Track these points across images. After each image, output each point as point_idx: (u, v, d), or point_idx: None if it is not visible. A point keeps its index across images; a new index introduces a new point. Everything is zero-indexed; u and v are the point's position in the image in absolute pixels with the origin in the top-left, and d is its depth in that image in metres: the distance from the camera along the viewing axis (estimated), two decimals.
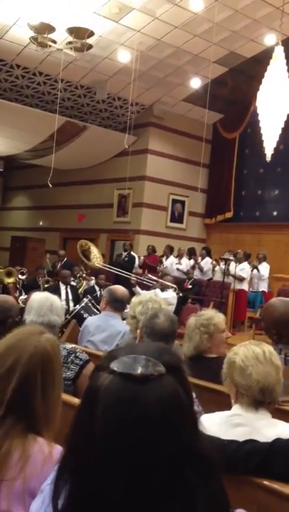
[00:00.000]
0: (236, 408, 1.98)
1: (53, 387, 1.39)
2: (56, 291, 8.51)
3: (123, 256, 12.32)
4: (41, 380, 1.37)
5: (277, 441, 1.78)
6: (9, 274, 10.87)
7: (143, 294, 4.18)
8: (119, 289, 4.29)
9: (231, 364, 2.01)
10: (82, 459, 0.81)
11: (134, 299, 3.60)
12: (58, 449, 1.32)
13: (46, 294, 3.00)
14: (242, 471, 1.77)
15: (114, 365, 0.83)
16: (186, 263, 12.52)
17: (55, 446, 1.33)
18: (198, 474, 0.82)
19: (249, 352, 1.98)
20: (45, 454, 1.30)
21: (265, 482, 1.73)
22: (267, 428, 1.88)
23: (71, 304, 8.54)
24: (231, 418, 1.95)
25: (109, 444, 0.79)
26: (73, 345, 3.03)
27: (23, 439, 1.31)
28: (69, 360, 2.81)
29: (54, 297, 2.98)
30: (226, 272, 10.49)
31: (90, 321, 4.35)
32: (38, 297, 2.96)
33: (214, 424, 1.94)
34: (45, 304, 2.88)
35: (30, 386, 1.36)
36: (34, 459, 1.29)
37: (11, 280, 10.75)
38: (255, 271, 11.42)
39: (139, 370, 0.81)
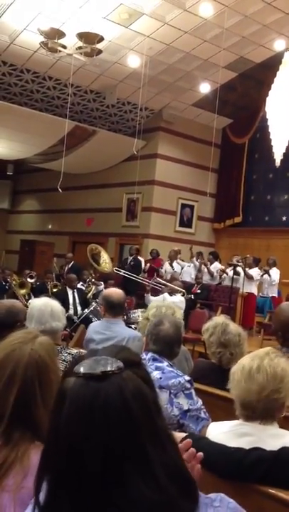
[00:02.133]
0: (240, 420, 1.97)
1: (51, 393, 1.37)
2: (64, 295, 8.52)
3: (129, 260, 12.29)
4: (40, 388, 1.37)
5: (284, 449, 1.78)
6: (22, 286, 10.87)
7: (157, 300, 4.19)
8: (114, 293, 4.16)
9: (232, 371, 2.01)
10: (54, 455, 0.89)
11: (152, 304, 3.64)
12: None
13: (45, 300, 3.00)
14: (248, 479, 1.77)
15: (78, 368, 0.91)
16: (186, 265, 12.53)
17: None
18: (158, 449, 0.89)
19: (240, 364, 1.96)
20: None
21: (270, 490, 1.73)
22: (272, 438, 1.87)
23: (79, 307, 8.54)
24: (237, 427, 1.95)
25: (73, 436, 0.86)
26: (79, 350, 3.03)
27: (29, 448, 1.31)
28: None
29: (53, 302, 3.00)
30: (234, 274, 10.46)
31: (92, 328, 4.23)
32: (38, 304, 2.97)
33: (221, 432, 1.94)
34: (45, 311, 2.89)
35: (30, 396, 1.36)
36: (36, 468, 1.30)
37: (23, 291, 10.75)
38: (266, 276, 11.37)
39: (100, 369, 0.89)
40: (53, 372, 1.41)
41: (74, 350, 2.93)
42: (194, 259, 12.44)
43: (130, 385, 0.89)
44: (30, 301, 9.99)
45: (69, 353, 2.84)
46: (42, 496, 0.91)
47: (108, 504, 0.85)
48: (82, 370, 0.90)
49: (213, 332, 3.05)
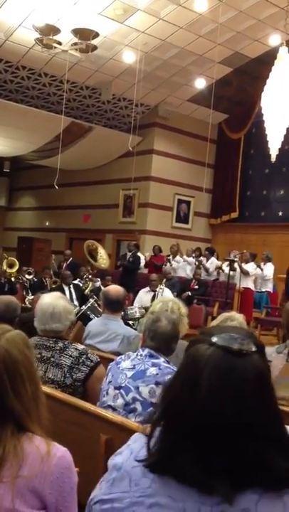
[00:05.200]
0: None
1: (23, 385, 1.39)
2: (60, 292, 8.54)
3: (128, 257, 12.31)
4: (10, 383, 1.38)
5: None
6: (11, 266, 10.94)
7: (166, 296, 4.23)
8: (112, 289, 4.19)
9: None
10: (183, 413, 0.98)
11: (159, 298, 3.69)
12: (56, 447, 1.35)
13: (51, 300, 2.96)
14: None
15: (215, 339, 1.00)
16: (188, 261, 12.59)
17: (53, 444, 1.35)
18: (276, 423, 1.00)
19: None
20: (42, 453, 1.32)
21: None
22: None
23: (76, 303, 8.57)
24: None
25: (214, 403, 0.95)
26: (84, 347, 3.05)
27: (16, 440, 1.33)
28: (80, 361, 2.81)
29: (59, 302, 2.95)
30: (230, 269, 10.51)
31: (91, 324, 4.29)
32: (43, 303, 2.96)
33: None
34: (46, 311, 2.89)
35: (1, 391, 1.37)
36: (31, 458, 1.31)
37: (13, 271, 10.83)
38: (258, 270, 11.39)
39: (236, 346, 0.99)
40: (23, 366, 1.42)
41: (80, 346, 2.94)
42: (187, 257, 12.53)
43: (260, 367, 0.99)
44: (29, 297, 10.13)
45: (76, 348, 2.85)
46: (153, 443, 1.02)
47: (243, 461, 0.94)
48: (220, 341, 0.99)
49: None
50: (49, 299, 2.97)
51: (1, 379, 1.38)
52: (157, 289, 9.36)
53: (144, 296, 9.37)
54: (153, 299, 8.57)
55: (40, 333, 2.93)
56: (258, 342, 1.03)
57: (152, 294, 9.30)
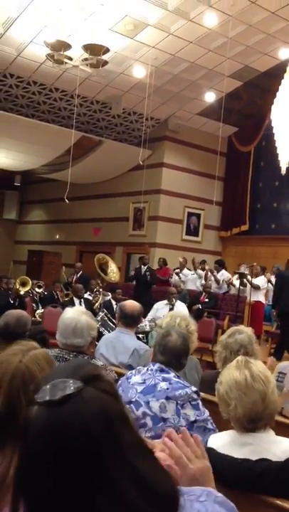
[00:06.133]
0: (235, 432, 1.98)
1: None
2: (71, 305, 8.54)
3: (143, 271, 11.86)
4: (26, 400, 1.39)
5: None
6: (24, 284, 10.98)
7: (178, 311, 4.25)
8: (129, 304, 4.25)
9: (218, 394, 2.00)
10: (23, 486, 0.85)
11: (169, 313, 3.69)
12: None
13: (73, 314, 2.94)
14: (255, 490, 1.78)
15: (37, 397, 0.86)
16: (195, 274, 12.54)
17: None
18: (123, 463, 0.84)
19: (231, 380, 1.93)
20: None
21: (277, 501, 1.74)
22: (272, 445, 1.90)
23: None
24: (237, 438, 1.96)
25: (36, 468, 0.82)
26: (103, 363, 3.04)
27: None
28: None
29: (81, 317, 2.93)
30: (241, 285, 10.46)
31: (105, 337, 4.36)
32: (65, 317, 2.95)
33: (225, 443, 1.96)
34: (69, 326, 2.89)
35: (16, 408, 1.37)
36: None
37: (26, 289, 10.86)
38: (268, 284, 11.33)
39: (58, 394, 0.84)
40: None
41: (99, 362, 2.92)
42: (198, 270, 12.47)
43: (92, 404, 0.84)
44: (39, 310, 10.15)
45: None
46: None
47: None
48: (41, 397, 0.86)
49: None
50: (72, 314, 2.97)
51: (17, 394, 1.39)
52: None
53: (161, 309, 9.31)
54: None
55: (61, 346, 2.94)
56: (88, 370, 0.90)
57: (169, 307, 9.25)
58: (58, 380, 0.87)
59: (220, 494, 0.99)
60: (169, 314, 3.58)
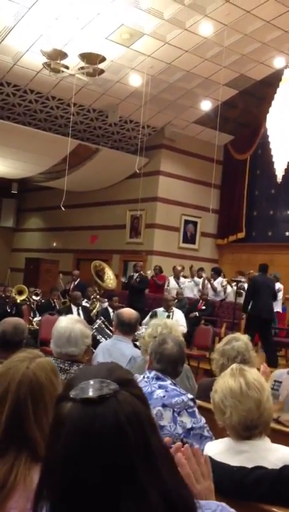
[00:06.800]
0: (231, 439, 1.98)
1: (45, 412, 1.39)
2: (68, 312, 8.55)
3: (134, 277, 12.07)
4: (33, 407, 1.38)
5: (286, 468, 1.79)
6: (20, 293, 10.97)
7: (159, 318, 4.24)
8: (126, 312, 4.26)
9: (213, 402, 2.00)
10: (53, 480, 0.87)
11: (150, 322, 3.67)
12: None
13: (68, 323, 2.93)
14: (251, 498, 1.78)
15: (72, 393, 0.89)
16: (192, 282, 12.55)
17: None
18: (153, 471, 0.87)
19: (226, 388, 1.93)
20: None
21: (273, 509, 1.74)
22: (268, 453, 1.90)
23: None
24: (232, 445, 1.96)
25: (73, 465, 0.85)
26: None
27: (28, 469, 1.32)
28: None
29: (76, 326, 2.92)
30: (238, 292, 10.47)
31: (102, 345, 4.38)
32: (59, 326, 2.94)
33: (221, 450, 1.96)
34: (63, 335, 2.87)
35: (22, 414, 1.37)
36: None
37: (22, 298, 10.86)
38: None
39: (94, 393, 0.87)
40: (48, 392, 1.42)
41: None
42: (195, 277, 12.48)
43: (126, 407, 0.88)
44: (36, 318, 10.14)
45: None
46: None
47: None
48: (78, 394, 0.88)
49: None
50: (65, 323, 2.95)
51: (25, 402, 1.39)
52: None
53: (159, 316, 9.28)
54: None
55: (55, 355, 2.93)
56: (122, 374, 0.93)
57: (166, 314, 9.23)
58: (95, 379, 0.90)
59: (232, 510, 1.02)
60: (150, 324, 3.57)
